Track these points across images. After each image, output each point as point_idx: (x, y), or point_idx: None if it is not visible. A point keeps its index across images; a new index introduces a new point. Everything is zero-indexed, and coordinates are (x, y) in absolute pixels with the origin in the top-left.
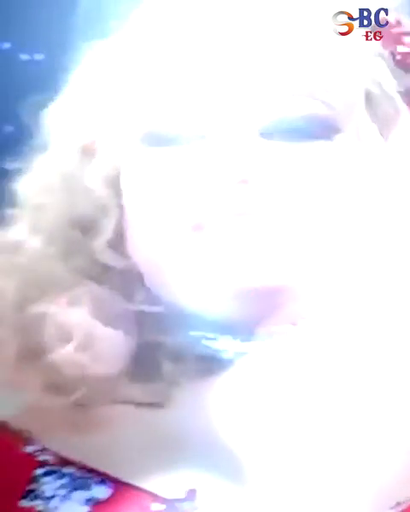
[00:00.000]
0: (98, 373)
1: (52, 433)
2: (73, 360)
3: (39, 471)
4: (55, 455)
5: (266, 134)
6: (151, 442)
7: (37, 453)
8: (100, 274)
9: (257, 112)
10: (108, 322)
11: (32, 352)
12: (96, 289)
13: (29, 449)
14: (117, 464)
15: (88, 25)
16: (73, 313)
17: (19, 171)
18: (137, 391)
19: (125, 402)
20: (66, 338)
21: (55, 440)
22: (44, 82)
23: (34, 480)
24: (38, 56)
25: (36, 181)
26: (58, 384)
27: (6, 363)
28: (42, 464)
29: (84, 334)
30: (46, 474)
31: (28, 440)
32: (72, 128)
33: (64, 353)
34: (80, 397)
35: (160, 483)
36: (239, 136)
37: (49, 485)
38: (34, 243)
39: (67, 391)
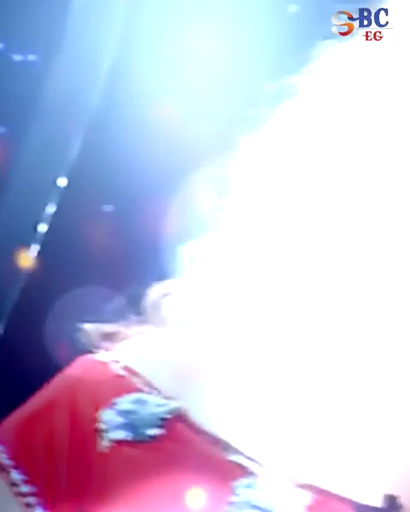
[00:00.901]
0: None
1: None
2: None
3: (239, 482)
4: (254, 464)
5: None
6: (350, 449)
7: (239, 461)
8: None
9: None
10: None
11: None
12: None
13: (233, 457)
14: (317, 473)
15: (81, 25)
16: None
17: None
18: None
19: None
20: None
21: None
22: (37, 83)
23: (234, 491)
24: (31, 57)
25: None
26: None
27: None
28: (243, 474)
29: None
30: (245, 485)
31: (233, 450)
32: None
33: None
34: None
35: (361, 491)
36: None
37: (248, 496)
38: None
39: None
